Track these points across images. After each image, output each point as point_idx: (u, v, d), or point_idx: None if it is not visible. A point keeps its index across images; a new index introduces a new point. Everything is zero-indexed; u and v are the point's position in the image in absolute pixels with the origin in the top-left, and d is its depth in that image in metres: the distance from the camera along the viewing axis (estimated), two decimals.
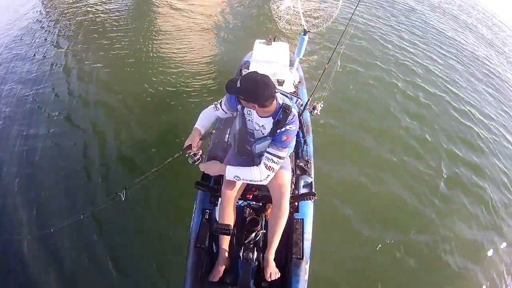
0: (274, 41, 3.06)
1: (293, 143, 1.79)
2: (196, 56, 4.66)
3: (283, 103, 1.55)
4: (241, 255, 1.62)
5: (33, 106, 3.72)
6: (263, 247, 1.69)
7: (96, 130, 3.35)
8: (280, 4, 2.59)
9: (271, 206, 1.77)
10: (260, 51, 2.93)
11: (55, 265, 2.29)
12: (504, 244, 2.75)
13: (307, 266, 1.65)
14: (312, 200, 1.86)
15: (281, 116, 1.53)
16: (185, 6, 6.24)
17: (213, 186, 1.87)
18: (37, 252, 2.35)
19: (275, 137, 1.55)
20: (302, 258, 1.65)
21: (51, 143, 3.22)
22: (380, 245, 2.51)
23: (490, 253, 2.66)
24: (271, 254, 1.63)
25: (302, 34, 2.51)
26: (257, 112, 1.56)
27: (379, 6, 7.30)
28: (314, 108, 2.33)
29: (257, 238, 1.70)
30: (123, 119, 3.47)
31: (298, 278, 1.59)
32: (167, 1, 6.35)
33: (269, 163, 1.53)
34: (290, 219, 1.79)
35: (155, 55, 4.66)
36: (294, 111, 1.57)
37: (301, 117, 2.37)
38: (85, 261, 2.29)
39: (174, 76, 4.13)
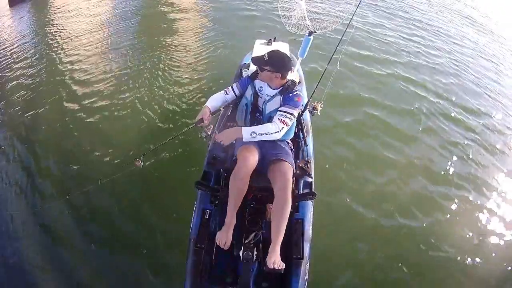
0: (274, 41, 3.06)
1: (302, 105, 1.89)
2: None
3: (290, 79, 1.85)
4: (241, 255, 1.61)
5: None
6: (263, 247, 1.68)
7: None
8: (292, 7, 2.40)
9: (271, 206, 1.77)
10: (260, 51, 2.92)
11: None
12: None
13: (307, 266, 1.65)
14: (312, 200, 1.85)
15: (288, 85, 1.80)
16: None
17: (213, 186, 1.87)
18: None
19: (286, 98, 1.78)
20: (302, 258, 1.64)
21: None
22: (380, 245, 2.51)
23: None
24: (277, 250, 1.55)
25: (307, 34, 2.42)
26: (269, 86, 1.83)
27: (380, 6, 7.29)
28: (314, 108, 2.32)
29: (257, 238, 1.69)
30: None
31: (298, 278, 1.59)
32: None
33: (283, 118, 1.73)
34: (290, 219, 1.79)
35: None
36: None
37: (301, 117, 2.37)
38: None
39: None
